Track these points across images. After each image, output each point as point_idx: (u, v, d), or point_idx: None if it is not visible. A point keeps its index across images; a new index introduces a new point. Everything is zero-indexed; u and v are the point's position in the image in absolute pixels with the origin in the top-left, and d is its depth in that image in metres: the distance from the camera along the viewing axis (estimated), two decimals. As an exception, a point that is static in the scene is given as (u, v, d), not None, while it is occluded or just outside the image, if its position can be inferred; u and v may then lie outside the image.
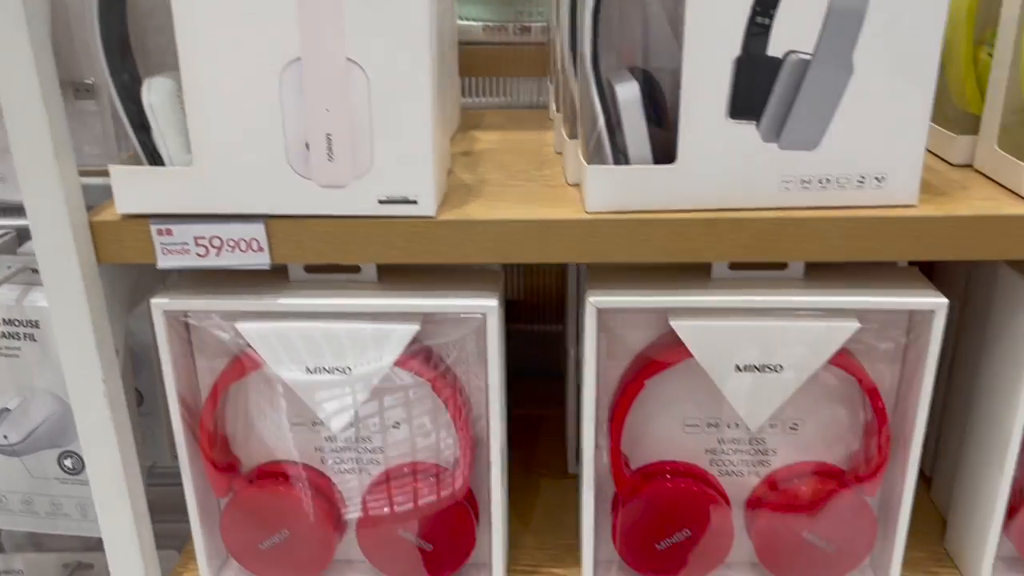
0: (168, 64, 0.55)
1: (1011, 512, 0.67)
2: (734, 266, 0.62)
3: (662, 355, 0.63)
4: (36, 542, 0.97)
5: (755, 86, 0.54)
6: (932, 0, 0.52)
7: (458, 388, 0.65)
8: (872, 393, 0.63)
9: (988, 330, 0.66)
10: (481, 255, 0.58)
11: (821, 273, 0.62)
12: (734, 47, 0.53)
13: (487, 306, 0.61)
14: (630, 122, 0.56)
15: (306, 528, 0.68)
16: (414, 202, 0.57)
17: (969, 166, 0.66)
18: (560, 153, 0.71)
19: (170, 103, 0.56)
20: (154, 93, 0.56)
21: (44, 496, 0.77)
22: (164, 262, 0.59)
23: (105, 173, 0.57)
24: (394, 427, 0.67)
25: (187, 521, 0.69)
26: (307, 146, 0.55)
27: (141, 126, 0.57)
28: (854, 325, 0.60)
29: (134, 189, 0.57)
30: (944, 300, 0.59)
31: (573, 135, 0.63)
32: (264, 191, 0.56)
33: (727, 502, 0.67)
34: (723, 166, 0.56)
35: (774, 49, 0.53)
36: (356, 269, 0.63)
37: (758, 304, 0.60)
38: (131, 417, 0.66)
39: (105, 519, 0.66)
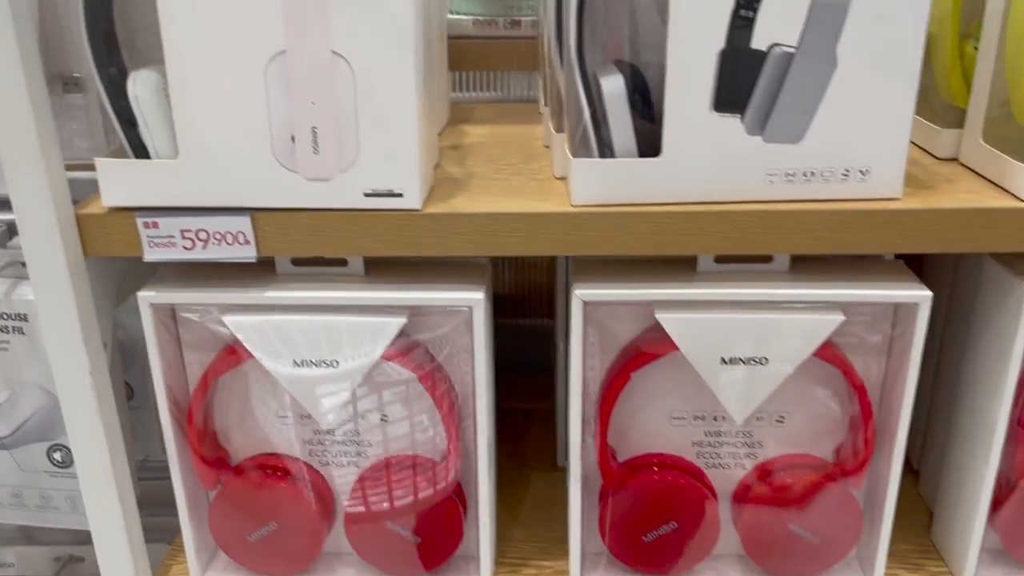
0: (155, 57, 0.55)
1: (996, 504, 0.67)
2: (720, 259, 0.62)
3: (648, 348, 0.63)
4: (27, 535, 0.97)
5: (739, 79, 0.54)
6: (916, -7, 0.52)
7: (446, 381, 0.65)
8: (857, 386, 0.64)
9: (973, 323, 0.66)
10: (467, 248, 0.58)
11: (806, 266, 0.63)
12: (718, 40, 0.53)
13: (473, 299, 0.61)
14: (615, 115, 0.56)
15: (294, 521, 0.68)
16: (400, 195, 0.57)
17: (955, 160, 0.66)
18: (548, 147, 0.71)
19: (156, 96, 0.56)
20: (140, 86, 0.56)
21: (34, 489, 0.77)
22: (151, 255, 0.59)
23: (94, 167, 0.58)
24: (382, 420, 0.67)
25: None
26: (293, 139, 0.55)
27: (128, 119, 0.57)
28: (839, 318, 0.60)
29: (120, 182, 0.57)
30: (928, 293, 0.59)
31: (560, 129, 0.63)
32: (250, 184, 0.57)
33: (714, 494, 0.68)
34: (708, 159, 0.56)
35: (758, 42, 0.53)
36: (343, 263, 0.64)
37: (743, 297, 0.60)
38: (121, 410, 0.66)
39: (93, 512, 0.66)
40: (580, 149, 0.58)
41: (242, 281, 0.63)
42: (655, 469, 0.67)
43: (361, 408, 0.66)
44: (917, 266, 0.75)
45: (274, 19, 0.52)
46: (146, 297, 0.62)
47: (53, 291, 0.58)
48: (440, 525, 0.69)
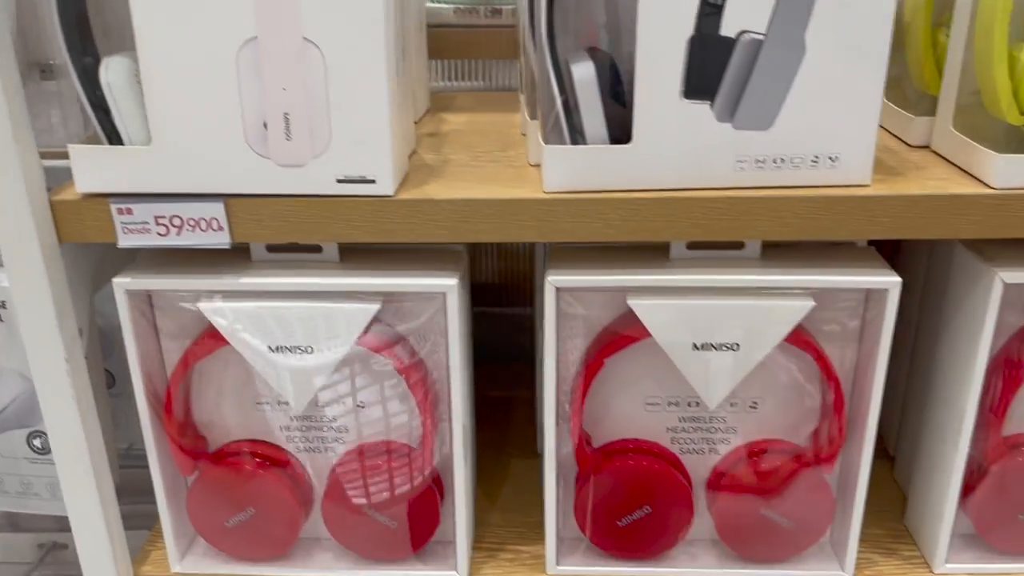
0: (128, 44, 0.55)
1: (968, 489, 0.68)
2: (692, 246, 0.63)
3: (621, 334, 0.63)
4: (11, 522, 0.97)
5: (709, 66, 0.54)
6: (883, -19, 0.53)
7: (421, 368, 0.66)
8: (829, 372, 0.64)
9: (944, 309, 0.67)
10: (440, 234, 0.59)
11: (778, 253, 0.63)
12: (687, 27, 0.53)
13: (447, 285, 0.61)
14: (586, 102, 0.57)
15: (272, 507, 0.69)
16: (372, 181, 0.57)
17: (927, 147, 0.67)
18: (525, 135, 0.71)
19: (128, 83, 0.56)
20: (112, 72, 0.56)
21: (14, 476, 0.78)
22: (125, 241, 0.59)
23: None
24: (359, 406, 0.67)
25: (158, 501, 0.70)
26: (265, 125, 0.55)
27: (101, 106, 0.57)
28: (809, 304, 0.60)
29: (93, 168, 0.57)
30: (897, 279, 0.60)
31: (535, 116, 0.64)
32: (223, 170, 0.57)
33: (688, 479, 0.68)
34: (678, 146, 0.56)
35: (727, 29, 0.54)
36: (318, 249, 0.64)
37: (714, 283, 0.60)
38: (101, 398, 0.66)
39: (71, 499, 0.67)
40: (552, 136, 0.59)
41: (217, 268, 0.63)
42: (629, 454, 0.68)
43: (337, 394, 0.67)
44: (893, 253, 0.75)
45: (245, 5, 0.52)
46: (121, 283, 0.62)
47: (27, 278, 0.59)
48: (417, 510, 0.69)
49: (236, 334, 0.62)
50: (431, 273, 0.62)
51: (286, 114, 0.55)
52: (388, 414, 0.68)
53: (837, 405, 0.65)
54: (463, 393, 0.66)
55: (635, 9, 0.53)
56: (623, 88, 0.58)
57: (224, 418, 0.69)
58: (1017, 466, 0.66)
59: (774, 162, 0.57)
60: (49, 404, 0.63)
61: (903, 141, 0.68)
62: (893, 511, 0.77)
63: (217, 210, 0.58)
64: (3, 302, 0.71)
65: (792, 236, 0.58)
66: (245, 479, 0.68)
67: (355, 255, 0.64)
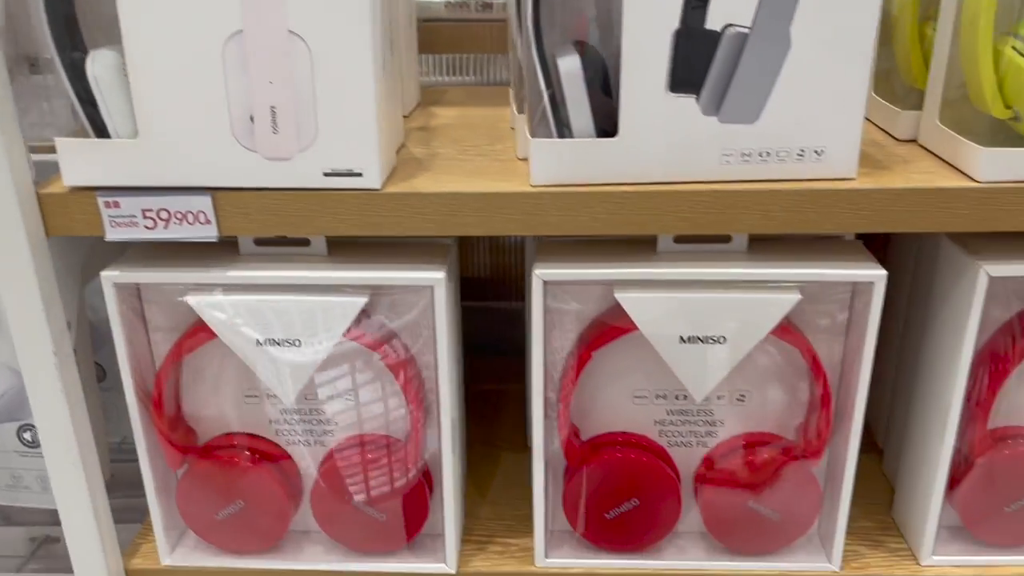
0: (115, 37, 0.55)
1: (954, 482, 0.68)
2: (679, 239, 0.63)
3: (608, 327, 0.63)
4: (3, 516, 0.97)
5: (694, 60, 0.54)
6: (868, -25, 0.53)
7: (410, 361, 0.66)
8: (816, 366, 0.64)
9: (930, 303, 0.67)
10: (427, 228, 0.59)
11: (765, 247, 0.63)
12: (673, 21, 0.53)
13: (435, 278, 0.62)
14: (572, 96, 0.57)
15: (261, 499, 0.69)
16: (359, 174, 0.57)
17: (914, 141, 0.67)
18: (514, 128, 0.71)
19: (115, 76, 0.56)
20: (98, 65, 0.56)
21: (4, 469, 0.78)
22: (112, 234, 0.59)
23: (57, 147, 0.58)
24: (347, 400, 0.67)
25: (151, 494, 0.70)
26: (252, 119, 0.56)
27: (88, 99, 0.58)
28: (795, 297, 0.60)
29: (81, 161, 0.58)
30: (883, 272, 0.60)
31: (523, 110, 0.64)
32: (210, 164, 0.57)
33: (676, 472, 0.69)
34: (664, 140, 0.56)
35: (712, 23, 0.54)
36: (306, 243, 0.64)
37: (700, 276, 0.61)
38: (91, 391, 0.66)
39: (61, 492, 0.67)
40: (539, 129, 0.59)
41: (205, 261, 0.63)
42: (618, 447, 0.68)
43: (326, 388, 0.67)
44: (883, 248, 0.76)
45: (231, -1, 0.52)
46: (109, 277, 0.62)
47: (15, 271, 0.59)
48: (406, 503, 0.69)
49: (224, 327, 0.63)
50: (418, 266, 0.62)
51: (272, 107, 0.55)
52: (376, 407, 0.68)
53: (824, 398, 0.65)
54: (451, 386, 0.66)
55: (622, 2, 0.53)
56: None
57: (213, 411, 0.69)
58: (1003, 459, 0.66)
59: (760, 155, 0.57)
60: (38, 397, 0.63)
61: (891, 135, 0.69)
62: (882, 504, 0.77)
63: (204, 203, 0.58)
64: (-7, 296, 0.71)
65: (778, 229, 0.58)
66: (234, 472, 0.68)
67: (343, 249, 0.65)
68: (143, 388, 0.66)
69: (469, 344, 0.81)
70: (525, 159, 0.64)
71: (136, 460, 0.69)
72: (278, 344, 0.63)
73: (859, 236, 0.65)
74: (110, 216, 0.59)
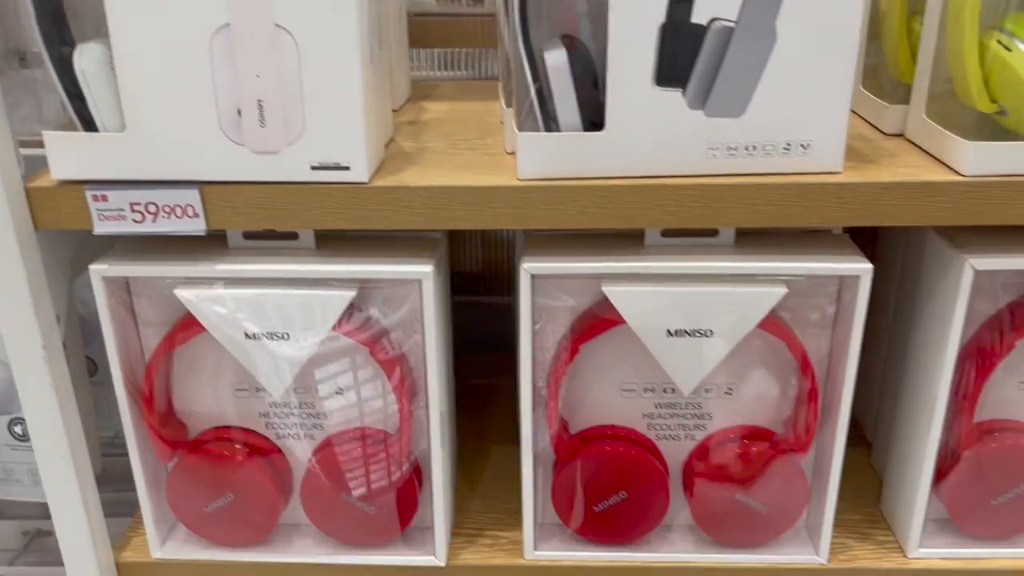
0: (103, 31, 0.55)
1: (941, 475, 0.68)
2: (666, 233, 0.63)
3: (596, 320, 0.64)
4: (-4, 509, 0.98)
5: (680, 53, 0.55)
6: (853, -31, 0.53)
7: (398, 354, 0.66)
8: (803, 359, 0.65)
9: (917, 296, 0.67)
10: (415, 221, 0.59)
11: (752, 240, 0.63)
12: (659, 14, 0.54)
13: (423, 272, 0.62)
14: (559, 89, 0.57)
15: (251, 493, 0.69)
16: (346, 168, 0.57)
17: (901, 135, 0.67)
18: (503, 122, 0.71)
19: (102, 69, 0.56)
20: (86, 59, 0.56)
21: (-5, 463, 0.78)
22: (100, 228, 0.59)
23: (45, 141, 0.58)
24: (336, 393, 0.67)
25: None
26: (239, 112, 0.56)
27: (76, 93, 0.58)
28: (781, 290, 0.61)
29: (69, 155, 0.58)
30: (868, 266, 0.60)
31: (511, 104, 0.64)
32: (198, 157, 0.57)
33: (664, 465, 0.69)
34: (651, 133, 0.57)
35: (698, 16, 0.54)
36: (295, 236, 0.64)
37: (688, 270, 0.61)
38: (82, 385, 0.66)
39: (51, 486, 0.67)
40: (527, 123, 0.59)
41: (194, 254, 0.63)
42: (606, 441, 0.68)
43: (315, 381, 0.67)
44: (871, 242, 0.76)
45: (217, -8, 0.52)
46: (98, 270, 0.62)
47: (3, 264, 0.59)
48: (396, 496, 0.69)
49: (213, 321, 0.63)
50: (407, 260, 0.62)
51: (260, 101, 0.55)
52: (367, 402, 0.68)
53: (811, 392, 0.65)
54: (440, 380, 0.66)
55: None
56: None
57: (203, 405, 0.69)
58: (989, 452, 0.67)
59: (746, 149, 0.57)
60: (27, 391, 0.63)
61: (878, 129, 0.69)
62: (870, 497, 0.78)
63: (192, 197, 0.58)
64: (-18, 289, 0.71)
65: (764, 223, 0.58)
66: (224, 466, 0.68)
67: (332, 242, 0.65)
68: (132, 382, 0.67)
69: (459, 338, 0.81)
70: (514, 153, 0.64)
71: (128, 454, 0.69)
72: (267, 337, 0.63)
73: (848, 230, 0.65)
74: (98, 210, 0.59)
